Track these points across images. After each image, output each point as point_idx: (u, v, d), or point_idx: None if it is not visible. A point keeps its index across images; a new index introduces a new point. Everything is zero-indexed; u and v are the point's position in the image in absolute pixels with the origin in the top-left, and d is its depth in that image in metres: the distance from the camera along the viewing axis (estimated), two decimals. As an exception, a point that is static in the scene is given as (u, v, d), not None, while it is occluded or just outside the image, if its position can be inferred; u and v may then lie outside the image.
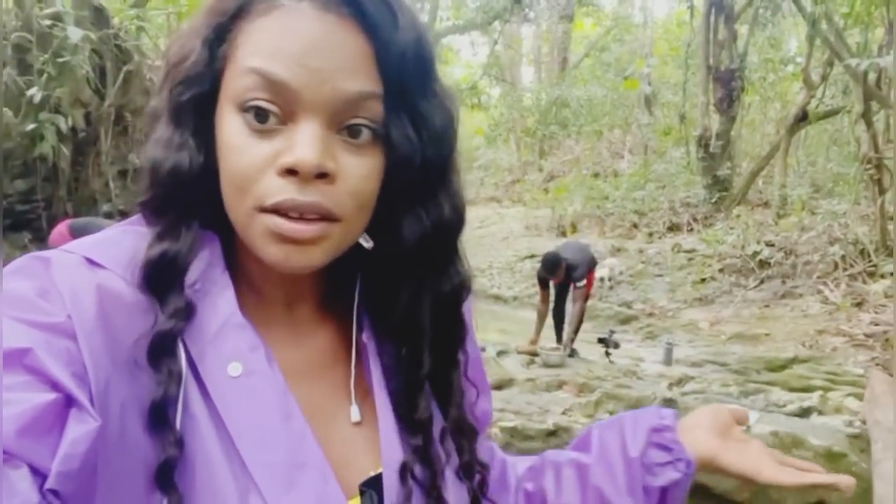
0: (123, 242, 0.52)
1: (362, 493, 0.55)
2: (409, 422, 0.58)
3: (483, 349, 5.60)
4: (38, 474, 0.39)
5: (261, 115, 0.49)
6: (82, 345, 0.44)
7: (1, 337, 0.42)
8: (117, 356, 0.46)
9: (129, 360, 0.46)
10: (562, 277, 5.83)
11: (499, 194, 17.72)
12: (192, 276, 0.51)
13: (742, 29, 12.32)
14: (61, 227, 3.35)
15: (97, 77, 5.56)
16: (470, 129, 21.88)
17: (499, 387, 4.59)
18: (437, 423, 0.60)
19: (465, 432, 0.63)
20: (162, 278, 0.49)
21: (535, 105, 18.48)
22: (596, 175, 15.36)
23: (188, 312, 0.49)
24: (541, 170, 17.45)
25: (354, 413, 0.58)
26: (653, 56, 16.05)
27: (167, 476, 0.45)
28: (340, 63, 0.49)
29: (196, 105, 0.52)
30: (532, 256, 11.56)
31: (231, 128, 0.50)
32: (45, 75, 4.87)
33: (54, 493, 0.39)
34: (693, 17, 12.87)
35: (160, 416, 0.46)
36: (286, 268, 0.51)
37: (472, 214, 16.02)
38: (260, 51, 0.49)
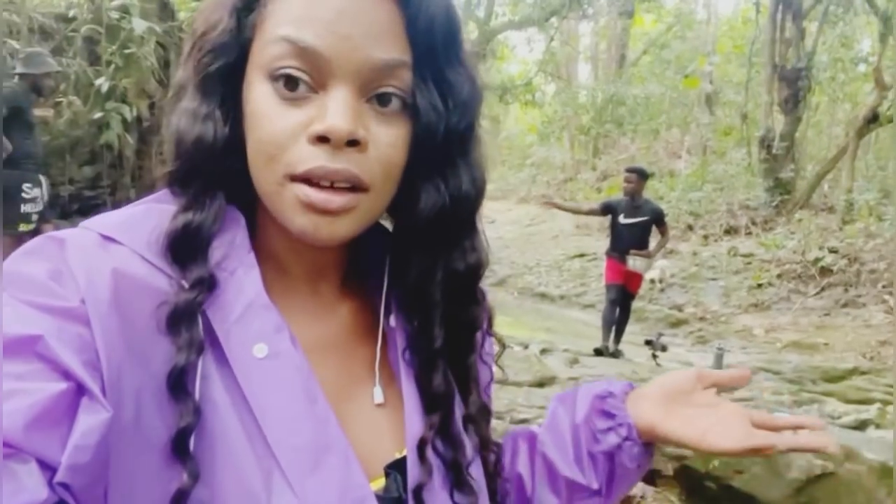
0: (145, 219, 0.51)
1: (387, 475, 0.54)
2: (428, 399, 0.57)
3: (526, 346, 5.59)
4: (48, 467, 0.38)
5: (291, 82, 0.48)
6: (95, 330, 0.43)
7: (0, 324, 0.41)
8: (132, 341, 0.45)
9: (144, 340, 0.46)
10: (641, 190, 5.98)
11: (550, 192, 17.51)
12: (217, 255, 0.50)
13: (811, 27, 11.84)
14: None
15: (161, 69, 5.77)
16: (524, 125, 21.75)
17: (541, 384, 4.55)
18: (457, 404, 0.60)
19: (481, 412, 0.62)
20: (185, 249, 0.49)
21: (590, 103, 18.20)
22: (651, 175, 15.04)
23: (211, 284, 0.49)
24: (594, 169, 17.20)
25: (378, 395, 0.57)
26: (715, 54, 15.59)
27: (184, 444, 0.44)
28: (371, 30, 0.48)
29: (223, 75, 0.51)
30: (581, 255, 11.42)
31: (260, 96, 0.49)
32: (112, 66, 5.09)
33: (64, 486, 0.38)
34: (759, 13, 12.46)
35: (179, 384, 0.45)
36: (315, 239, 0.50)
37: (523, 212, 16.07)
38: (290, 18, 0.48)
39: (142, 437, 0.44)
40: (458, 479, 0.57)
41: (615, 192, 13.26)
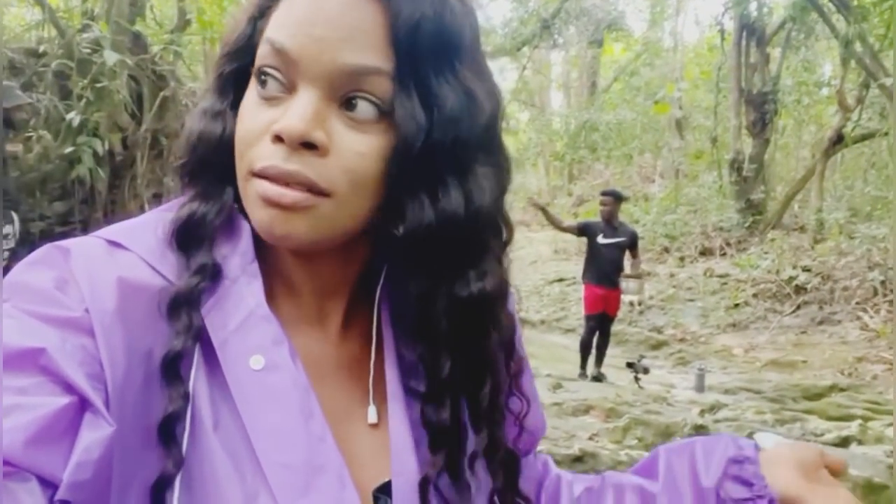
0: (152, 226, 0.51)
1: (376, 500, 0.52)
2: (433, 434, 0.53)
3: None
4: (49, 485, 0.37)
5: (265, 81, 0.49)
6: (100, 341, 0.43)
7: (1, 337, 0.40)
8: (135, 351, 0.45)
9: (147, 343, 0.45)
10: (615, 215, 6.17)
11: (527, 218, 17.64)
12: (221, 261, 0.51)
13: (774, 52, 12.21)
14: None
15: (134, 102, 5.72)
16: (499, 153, 21.99)
17: (524, 411, 4.52)
18: (469, 440, 0.55)
19: (499, 456, 0.57)
20: (189, 237, 0.50)
21: (564, 129, 18.48)
22: (626, 199, 15.26)
23: (214, 272, 0.49)
24: (570, 194, 17.42)
25: (371, 414, 0.55)
26: (683, 80, 15.96)
27: (170, 430, 0.43)
28: (345, 33, 0.47)
29: (237, 78, 0.52)
30: (560, 280, 11.47)
31: (247, 95, 0.50)
32: (83, 100, 5.04)
33: (65, 503, 0.38)
34: (724, 40, 12.80)
35: (172, 369, 0.45)
36: (271, 236, 0.49)
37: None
38: (279, 22, 0.49)
39: (141, 449, 0.43)
40: None
41: (592, 216, 13.41)
